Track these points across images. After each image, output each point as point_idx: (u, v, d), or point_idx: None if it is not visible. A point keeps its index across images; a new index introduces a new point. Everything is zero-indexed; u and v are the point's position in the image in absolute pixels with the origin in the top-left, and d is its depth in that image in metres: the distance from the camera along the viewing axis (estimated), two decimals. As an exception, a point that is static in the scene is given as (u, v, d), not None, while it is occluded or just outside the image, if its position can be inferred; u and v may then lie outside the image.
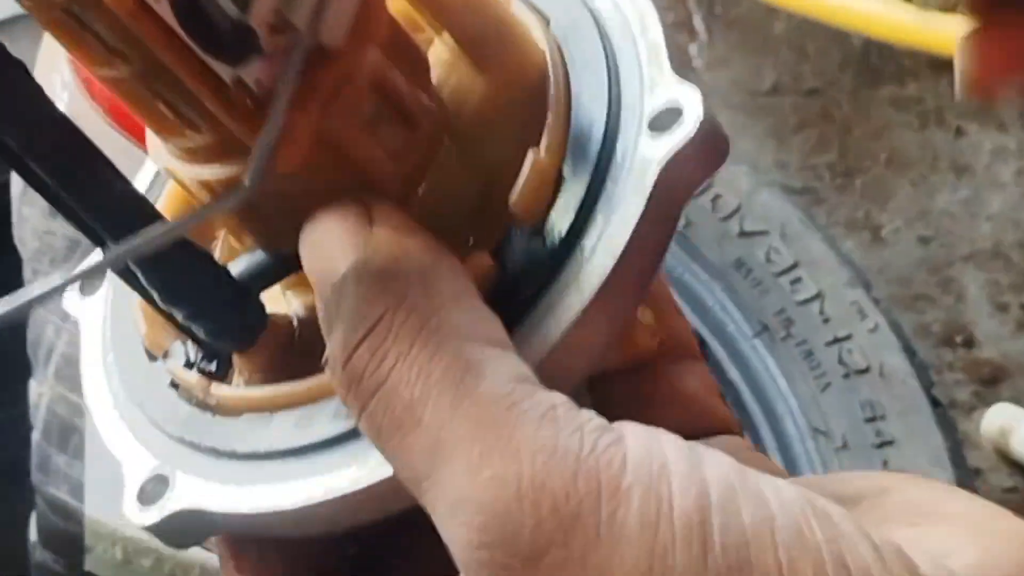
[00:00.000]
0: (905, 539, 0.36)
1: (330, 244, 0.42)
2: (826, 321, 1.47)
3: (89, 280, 0.53)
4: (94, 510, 1.29)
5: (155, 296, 0.45)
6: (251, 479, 0.45)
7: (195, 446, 0.47)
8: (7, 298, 0.39)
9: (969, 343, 1.69)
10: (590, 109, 0.46)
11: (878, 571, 0.35)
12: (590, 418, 0.38)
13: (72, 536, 1.31)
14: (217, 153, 0.43)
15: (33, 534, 1.35)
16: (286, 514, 0.44)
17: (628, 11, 0.47)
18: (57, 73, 1.36)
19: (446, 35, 0.47)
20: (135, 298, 0.49)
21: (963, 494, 0.41)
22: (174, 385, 0.49)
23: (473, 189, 0.47)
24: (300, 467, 0.44)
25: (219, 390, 0.47)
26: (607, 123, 0.45)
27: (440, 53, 0.48)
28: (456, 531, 0.37)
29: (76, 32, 0.39)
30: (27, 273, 1.38)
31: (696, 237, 1.50)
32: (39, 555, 1.35)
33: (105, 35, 0.39)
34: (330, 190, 0.43)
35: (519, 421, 0.37)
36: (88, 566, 1.30)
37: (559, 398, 0.38)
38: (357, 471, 0.43)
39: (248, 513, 0.45)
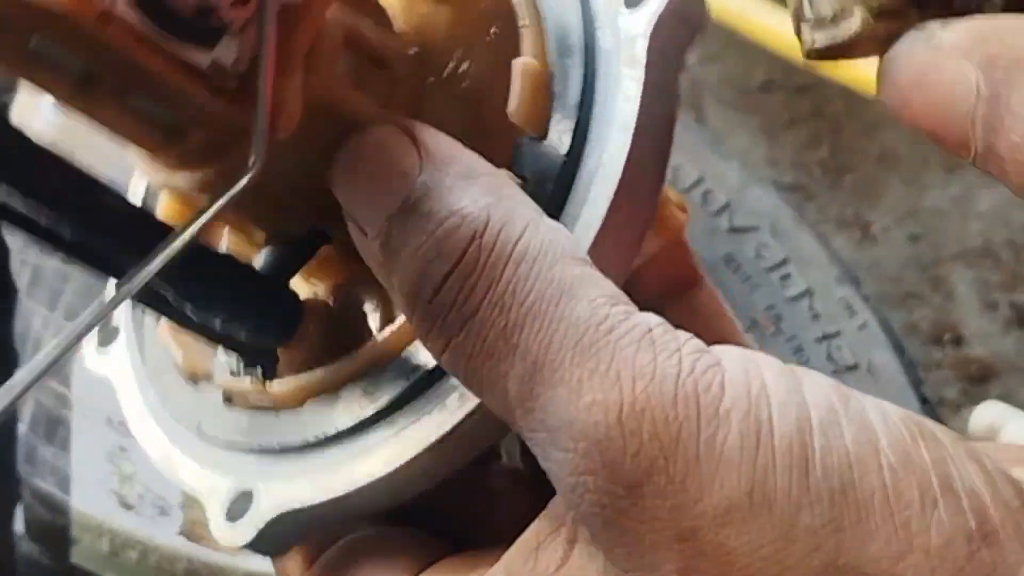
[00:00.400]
0: (1019, 473, 0.36)
1: (378, 168, 0.40)
2: (815, 317, 1.47)
3: (104, 330, 0.52)
4: (81, 502, 1.29)
5: (187, 310, 0.44)
6: (336, 461, 0.45)
7: (267, 450, 0.46)
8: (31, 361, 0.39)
9: (958, 341, 1.69)
10: (562, 4, 0.45)
11: (988, 495, 0.34)
12: (687, 339, 0.37)
13: (59, 528, 1.30)
14: (208, 152, 0.42)
15: (19, 526, 1.35)
16: (381, 482, 0.43)
17: None
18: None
19: None
20: (158, 330, 0.48)
21: None
22: (227, 399, 0.48)
23: (470, 116, 0.46)
24: (382, 432, 0.44)
25: (275, 387, 0.47)
26: (583, 13, 0.45)
27: None
28: (557, 456, 0.36)
29: (46, 67, 0.39)
30: (15, 264, 1.38)
31: (686, 232, 1.50)
32: (25, 547, 1.34)
33: (73, 61, 0.39)
34: (333, 152, 0.42)
35: (618, 345, 0.36)
36: (75, 558, 1.29)
37: (654, 319, 0.38)
38: (439, 415, 0.43)
39: (342, 495, 0.44)
